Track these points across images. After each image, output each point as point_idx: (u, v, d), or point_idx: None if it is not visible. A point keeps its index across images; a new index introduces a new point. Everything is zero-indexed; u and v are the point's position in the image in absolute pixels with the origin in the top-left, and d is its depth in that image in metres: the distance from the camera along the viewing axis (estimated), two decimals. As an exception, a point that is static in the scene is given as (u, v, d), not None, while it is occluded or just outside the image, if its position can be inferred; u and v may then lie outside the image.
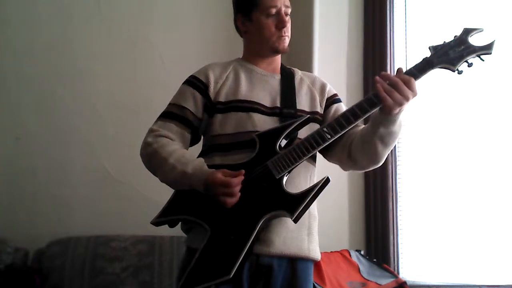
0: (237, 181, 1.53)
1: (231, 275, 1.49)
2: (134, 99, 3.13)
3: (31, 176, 3.00)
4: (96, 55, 3.15)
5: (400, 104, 1.53)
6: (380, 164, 1.72)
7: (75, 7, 3.18)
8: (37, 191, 2.99)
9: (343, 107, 1.84)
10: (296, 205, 1.53)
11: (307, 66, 3.03)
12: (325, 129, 1.60)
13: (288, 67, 1.88)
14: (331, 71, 3.12)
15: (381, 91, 1.54)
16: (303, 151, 1.59)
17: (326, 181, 1.55)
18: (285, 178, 1.59)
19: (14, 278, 2.54)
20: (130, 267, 2.68)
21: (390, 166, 2.99)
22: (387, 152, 1.68)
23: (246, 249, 1.52)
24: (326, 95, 1.83)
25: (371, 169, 1.77)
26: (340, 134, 1.61)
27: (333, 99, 1.84)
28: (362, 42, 3.19)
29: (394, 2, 3.14)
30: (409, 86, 1.53)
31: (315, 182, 1.71)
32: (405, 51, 3.11)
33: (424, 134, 2.95)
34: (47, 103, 3.08)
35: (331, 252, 2.82)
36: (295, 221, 1.54)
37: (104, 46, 3.18)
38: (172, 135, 1.70)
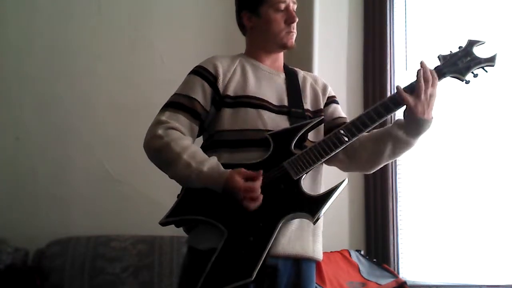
0: (259, 185, 1.51)
1: (253, 278, 1.47)
2: (134, 99, 3.13)
3: (31, 176, 3.00)
4: (96, 55, 3.15)
5: (423, 104, 1.58)
6: (372, 171, 1.78)
7: (75, 7, 3.17)
8: (37, 191, 2.98)
9: (340, 109, 1.86)
10: (317, 207, 1.53)
11: (307, 66, 3.03)
12: (342, 132, 1.61)
13: (290, 66, 1.87)
14: (331, 71, 3.12)
15: (406, 98, 1.59)
16: (321, 153, 1.59)
17: (344, 182, 1.56)
18: (302, 179, 1.59)
19: (14, 278, 2.54)
20: (130, 267, 2.68)
21: (390, 166, 2.99)
22: (390, 161, 1.73)
23: (267, 251, 1.50)
24: (327, 94, 1.84)
25: (370, 172, 1.81)
26: (357, 137, 1.62)
27: (332, 99, 1.85)
28: (362, 42, 3.20)
29: (394, 2, 3.14)
30: (433, 83, 1.60)
31: (322, 183, 1.73)
32: (405, 51, 3.11)
33: (424, 134, 2.95)
34: (47, 103, 3.07)
35: (331, 252, 2.82)
36: (315, 223, 1.55)
37: (104, 46, 3.17)
38: (182, 128, 1.64)
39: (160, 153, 1.61)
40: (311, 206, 1.54)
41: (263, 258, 1.49)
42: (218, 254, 1.52)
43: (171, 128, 1.63)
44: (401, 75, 3.08)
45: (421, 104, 1.59)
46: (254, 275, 1.47)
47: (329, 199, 1.54)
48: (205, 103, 1.68)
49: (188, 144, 1.62)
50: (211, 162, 1.57)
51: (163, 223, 1.61)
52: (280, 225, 1.53)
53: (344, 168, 1.83)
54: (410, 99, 1.58)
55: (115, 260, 2.69)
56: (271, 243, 1.51)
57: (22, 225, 2.89)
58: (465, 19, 2.89)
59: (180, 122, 1.65)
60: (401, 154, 1.72)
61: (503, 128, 2.74)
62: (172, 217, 1.61)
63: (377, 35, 3.11)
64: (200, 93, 1.68)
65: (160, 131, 1.62)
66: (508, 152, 2.71)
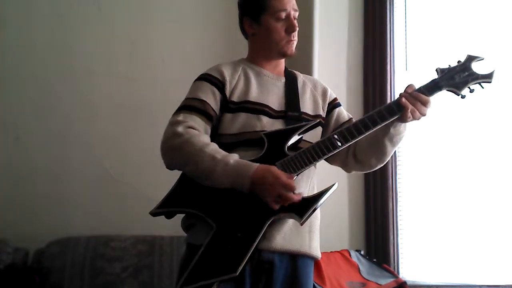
0: (295, 186, 1.54)
1: (238, 273, 1.49)
2: (134, 99, 3.13)
3: (31, 176, 3.00)
4: (96, 55, 3.15)
5: (417, 119, 1.64)
6: (386, 162, 1.81)
7: (75, 7, 3.18)
8: (37, 191, 2.98)
9: (343, 111, 1.89)
10: (305, 209, 1.54)
11: (307, 67, 3.03)
12: (336, 137, 1.63)
13: (290, 69, 1.89)
14: (331, 72, 3.12)
15: (407, 110, 1.62)
16: (313, 156, 1.61)
17: (334, 186, 1.58)
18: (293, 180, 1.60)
19: (14, 278, 2.54)
20: (130, 267, 2.68)
21: (390, 166, 2.99)
22: (394, 151, 1.76)
23: (253, 248, 1.52)
24: (328, 99, 1.86)
25: (377, 168, 1.83)
26: (350, 143, 1.64)
27: (334, 104, 1.87)
28: (362, 43, 3.19)
29: (394, 2, 3.14)
30: (427, 106, 1.64)
31: (315, 184, 1.75)
32: (405, 52, 3.11)
33: (424, 134, 2.95)
34: (47, 103, 3.08)
35: (331, 252, 2.81)
36: (302, 224, 1.55)
37: (104, 46, 3.18)
38: (199, 128, 1.66)
39: (180, 149, 1.61)
40: (300, 207, 1.55)
41: (249, 255, 1.51)
42: (204, 247, 1.54)
43: (190, 127, 1.64)
44: (401, 75, 3.08)
45: (416, 118, 1.64)
46: (239, 271, 1.49)
47: (318, 201, 1.55)
48: (216, 107, 1.70)
49: (209, 140, 1.64)
50: (235, 156, 1.59)
51: (154, 213, 1.63)
52: (268, 223, 1.55)
53: (349, 170, 1.87)
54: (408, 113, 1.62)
55: (115, 260, 2.69)
56: (257, 240, 1.53)
57: (22, 225, 2.89)
58: (465, 19, 2.89)
59: (196, 123, 1.66)
60: (402, 141, 1.76)
61: (503, 129, 2.74)
62: (162, 208, 1.63)
63: (377, 35, 3.11)
64: (211, 97, 1.70)
65: (179, 129, 1.62)
66: (508, 152, 2.71)
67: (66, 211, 2.99)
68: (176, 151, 1.62)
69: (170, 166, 1.66)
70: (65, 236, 2.78)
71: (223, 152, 1.59)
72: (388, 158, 1.78)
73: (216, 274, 1.51)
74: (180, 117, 1.66)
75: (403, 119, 1.63)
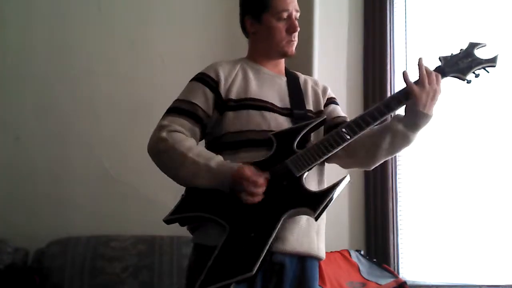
0: (263, 182, 1.54)
1: (254, 272, 1.48)
2: (134, 99, 3.13)
3: (31, 176, 3.00)
4: (96, 55, 3.15)
5: (428, 94, 1.60)
6: (372, 167, 1.78)
7: (75, 7, 3.18)
8: (37, 191, 2.98)
9: (339, 109, 1.88)
10: (318, 202, 1.54)
11: (307, 67, 3.03)
12: (344, 130, 1.62)
13: (290, 70, 1.89)
14: (331, 72, 3.12)
15: (411, 84, 1.61)
16: (322, 151, 1.61)
17: (346, 179, 1.57)
18: (304, 176, 1.60)
19: (14, 278, 2.54)
20: (130, 267, 2.68)
21: (390, 166, 2.99)
22: (388, 152, 1.71)
23: (267, 246, 1.51)
24: (327, 96, 1.87)
25: (369, 166, 1.79)
26: (358, 136, 1.63)
27: (331, 100, 1.88)
28: (362, 43, 3.20)
29: (394, 2, 3.15)
30: (432, 76, 1.62)
31: (325, 182, 1.75)
32: (405, 51, 3.11)
33: (424, 134, 2.95)
34: (47, 103, 3.08)
35: (331, 252, 2.81)
36: (317, 218, 1.54)
37: (104, 46, 3.18)
38: (185, 131, 1.66)
39: (165, 155, 1.63)
40: (313, 201, 1.55)
41: (264, 253, 1.50)
42: (219, 249, 1.54)
43: (174, 131, 1.64)
44: (401, 75, 3.07)
45: (426, 93, 1.60)
46: (255, 270, 1.48)
47: (331, 194, 1.54)
48: (206, 108, 1.70)
49: (192, 144, 1.64)
50: (218, 158, 1.60)
51: (167, 220, 1.62)
52: (282, 220, 1.54)
53: (344, 165, 1.84)
54: (415, 87, 1.60)
55: (115, 260, 2.69)
56: (272, 238, 1.52)
57: (22, 225, 2.89)
58: (465, 19, 2.89)
59: (183, 126, 1.67)
60: (400, 149, 1.72)
61: (503, 129, 2.74)
62: (175, 215, 1.62)
63: (377, 35, 3.11)
64: (202, 98, 1.70)
65: (163, 134, 1.63)
66: (508, 152, 2.71)
67: (66, 211, 2.99)
68: (161, 157, 1.64)
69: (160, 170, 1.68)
70: (65, 236, 2.79)
71: (205, 155, 1.60)
72: (379, 157, 1.72)
73: (233, 274, 1.49)
74: (166, 121, 1.67)
75: (413, 92, 1.59)
